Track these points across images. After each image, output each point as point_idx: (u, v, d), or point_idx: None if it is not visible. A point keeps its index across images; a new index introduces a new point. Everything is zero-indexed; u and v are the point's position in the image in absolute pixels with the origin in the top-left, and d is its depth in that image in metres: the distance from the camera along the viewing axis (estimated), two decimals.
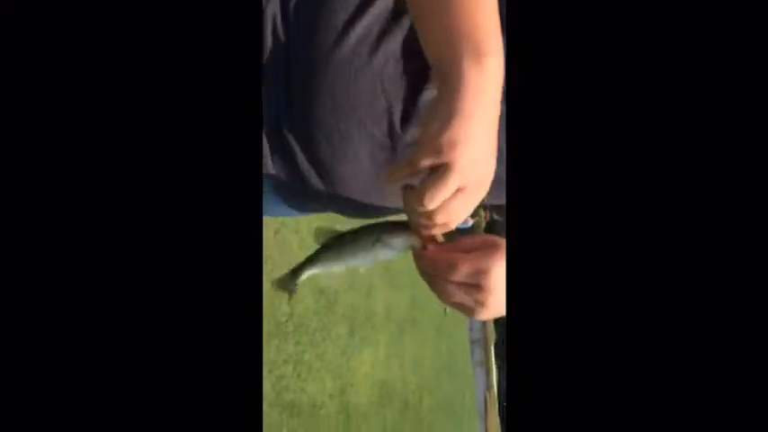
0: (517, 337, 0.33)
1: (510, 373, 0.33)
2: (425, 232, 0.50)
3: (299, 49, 0.56)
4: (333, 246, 0.55)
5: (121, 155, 0.33)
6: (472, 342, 11.56)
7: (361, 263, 0.55)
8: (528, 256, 0.33)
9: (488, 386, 11.30)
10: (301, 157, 0.58)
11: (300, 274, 0.58)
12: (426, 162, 0.45)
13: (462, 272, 0.49)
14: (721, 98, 0.31)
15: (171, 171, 0.33)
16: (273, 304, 2.52)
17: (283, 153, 0.59)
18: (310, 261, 0.57)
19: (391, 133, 0.56)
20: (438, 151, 0.44)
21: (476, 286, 0.49)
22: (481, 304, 0.50)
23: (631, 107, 0.32)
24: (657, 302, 0.31)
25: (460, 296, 0.50)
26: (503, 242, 0.50)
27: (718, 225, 0.31)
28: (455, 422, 7.81)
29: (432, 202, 0.44)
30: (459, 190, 0.45)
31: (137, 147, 0.33)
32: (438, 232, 0.51)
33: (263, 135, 0.58)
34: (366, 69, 0.54)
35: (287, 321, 2.70)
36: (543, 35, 0.34)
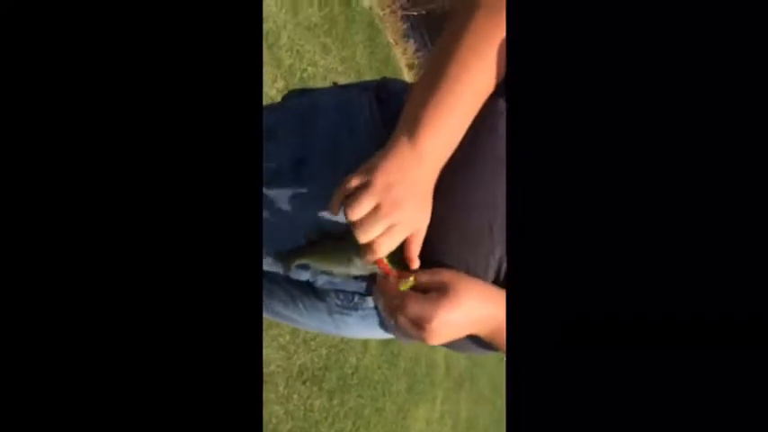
0: (517, 342, 0.33)
1: (510, 375, 0.33)
2: (371, 257, 0.56)
3: None
4: (319, 245, 0.64)
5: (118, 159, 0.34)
6: None
7: (342, 271, 0.64)
8: (527, 259, 0.33)
9: None
10: None
11: (294, 260, 0.67)
12: (353, 182, 0.55)
13: (409, 312, 0.55)
14: (722, 98, 0.31)
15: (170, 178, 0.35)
16: (339, 360, 2.54)
17: None
18: (302, 252, 0.66)
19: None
20: (362, 173, 0.55)
21: (419, 326, 0.56)
22: (423, 339, 0.56)
23: (632, 110, 0.32)
24: (658, 304, 0.31)
25: (408, 327, 0.57)
26: (458, 288, 0.55)
27: (719, 225, 0.30)
28: None
29: (352, 212, 0.53)
30: (377, 208, 0.53)
31: (135, 150, 0.34)
32: (374, 257, 0.56)
33: None
34: None
35: (352, 374, 2.73)
36: (544, 38, 0.34)
